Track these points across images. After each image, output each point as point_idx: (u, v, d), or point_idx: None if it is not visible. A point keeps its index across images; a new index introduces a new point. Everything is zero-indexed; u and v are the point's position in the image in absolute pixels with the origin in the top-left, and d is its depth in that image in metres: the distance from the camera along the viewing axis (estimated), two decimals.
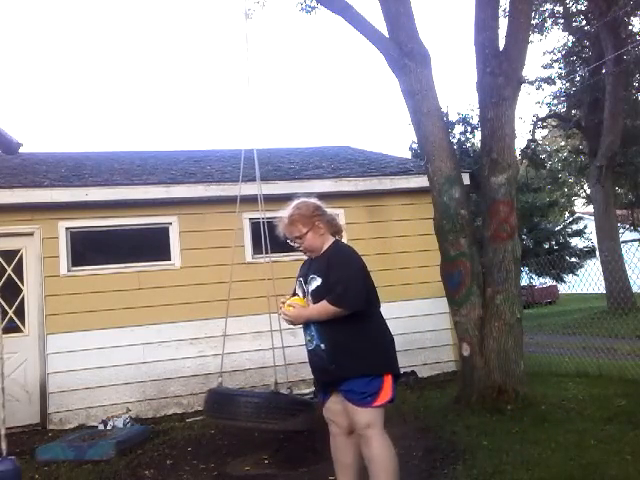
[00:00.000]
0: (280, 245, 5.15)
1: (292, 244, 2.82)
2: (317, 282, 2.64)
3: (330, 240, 2.77)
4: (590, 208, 20.53)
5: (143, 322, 6.03)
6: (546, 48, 35.17)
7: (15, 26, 63.95)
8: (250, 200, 5.25)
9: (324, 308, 2.55)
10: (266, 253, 5.08)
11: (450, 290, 5.11)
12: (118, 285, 6.04)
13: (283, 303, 2.69)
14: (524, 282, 16.07)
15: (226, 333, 6.26)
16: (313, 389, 4.05)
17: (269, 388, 6.01)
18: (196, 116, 62.86)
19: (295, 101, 66.24)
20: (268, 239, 4.76)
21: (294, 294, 2.81)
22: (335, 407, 2.68)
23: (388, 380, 2.59)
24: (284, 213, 2.81)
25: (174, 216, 6.37)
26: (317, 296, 2.61)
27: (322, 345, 2.59)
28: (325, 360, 2.59)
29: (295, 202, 2.85)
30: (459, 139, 18.55)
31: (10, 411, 5.62)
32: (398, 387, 5.99)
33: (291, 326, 2.79)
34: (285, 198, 5.04)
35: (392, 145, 56.96)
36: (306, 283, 2.70)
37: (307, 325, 2.66)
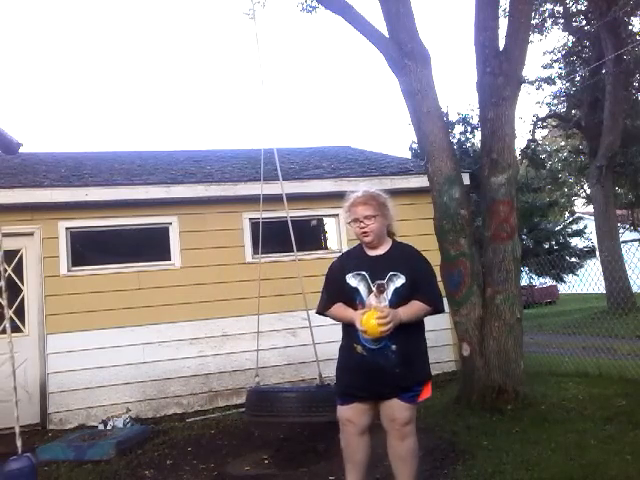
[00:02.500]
0: (280, 245, 5.18)
1: (353, 223, 2.67)
2: (401, 280, 2.52)
3: (388, 239, 2.72)
4: (590, 208, 20.52)
5: (143, 322, 6.03)
6: (546, 48, 35.19)
7: (15, 26, 63.95)
8: (250, 200, 5.25)
9: (420, 309, 2.54)
10: (259, 253, 5.06)
11: (450, 290, 5.11)
12: (118, 285, 6.04)
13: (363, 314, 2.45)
14: (524, 282, 16.07)
15: (228, 333, 6.29)
16: None
17: (279, 386, 6.03)
18: (196, 116, 62.85)
19: (295, 101, 66.25)
20: (262, 239, 4.74)
21: (348, 289, 2.58)
22: (362, 406, 2.63)
23: (429, 383, 2.73)
24: (361, 191, 2.71)
25: (174, 216, 6.37)
26: (401, 295, 2.51)
27: (393, 346, 2.49)
28: (392, 361, 2.49)
29: (371, 189, 2.77)
30: (459, 139, 18.55)
31: (10, 411, 5.61)
32: None
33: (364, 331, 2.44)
34: (286, 198, 5.06)
35: (392, 145, 56.98)
36: (375, 279, 2.53)
37: None
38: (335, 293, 2.66)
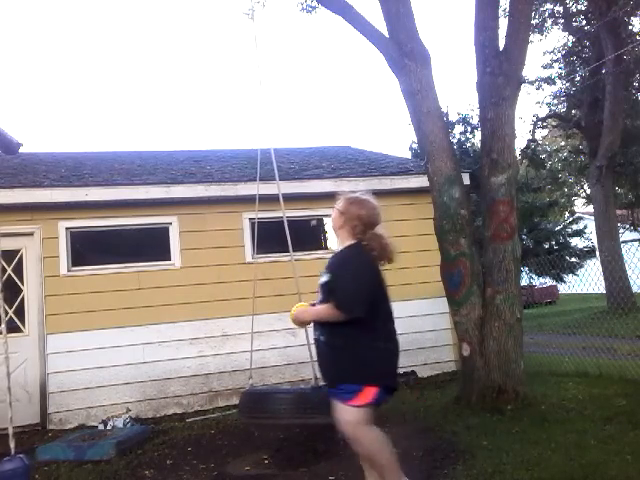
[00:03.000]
0: (280, 245, 5.18)
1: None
2: (324, 278, 2.64)
3: (351, 240, 2.70)
4: (590, 208, 20.52)
5: (143, 322, 6.03)
6: (546, 48, 35.21)
7: (15, 26, 63.97)
8: (250, 200, 5.25)
9: (323, 309, 2.58)
10: (255, 253, 5.05)
11: (450, 290, 5.11)
12: (118, 285, 6.05)
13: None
14: (524, 282, 16.07)
15: (228, 333, 6.29)
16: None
17: (274, 387, 6.03)
18: (196, 116, 62.86)
19: (295, 101, 66.26)
20: (262, 239, 4.73)
21: None
22: None
23: (369, 390, 2.51)
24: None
25: (174, 216, 6.37)
26: (323, 291, 2.63)
27: (322, 337, 2.62)
28: (320, 352, 2.66)
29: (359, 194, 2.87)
30: (459, 139, 18.55)
31: (8, 411, 5.63)
32: (399, 387, 5.97)
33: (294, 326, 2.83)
34: (285, 198, 5.06)
35: (392, 145, 56.95)
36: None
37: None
38: None
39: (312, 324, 2.73)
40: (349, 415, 2.50)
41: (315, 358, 3.53)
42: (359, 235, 2.69)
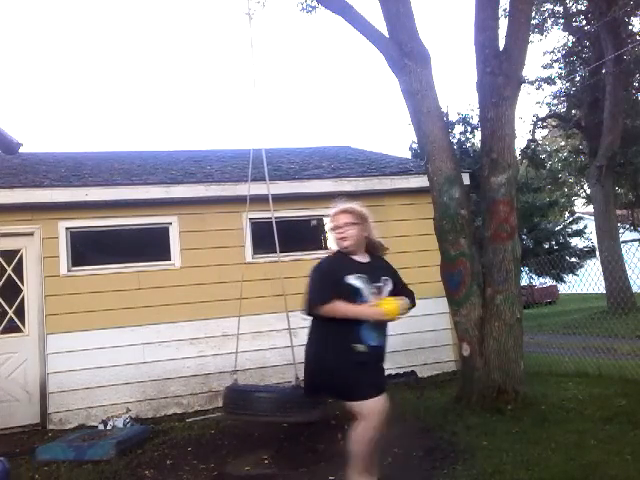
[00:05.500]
0: (280, 245, 5.18)
1: (333, 231, 2.99)
2: (391, 284, 2.94)
3: (364, 251, 3.01)
4: (590, 208, 20.52)
5: (143, 322, 6.03)
6: (546, 48, 35.24)
7: (15, 26, 63.99)
8: (251, 200, 5.25)
9: (409, 305, 2.92)
10: (248, 253, 5.05)
11: (450, 290, 5.11)
12: (118, 285, 6.04)
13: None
14: (524, 282, 16.05)
15: (228, 333, 6.28)
16: None
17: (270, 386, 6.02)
18: (197, 116, 62.86)
19: (295, 101, 66.27)
20: (261, 239, 4.75)
21: (348, 289, 2.80)
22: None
23: None
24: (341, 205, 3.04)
25: (174, 216, 6.37)
26: (391, 294, 2.91)
27: (384, 345, 2.88)
28: (382, 358, 2.91)
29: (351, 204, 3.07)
30: (459, 139, 18.53)
31: (10, 411, 5.64)
32: (399, 387, 5.96)
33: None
34: (285, 198, 5.07)
35: (392, 145, 56.93)
36: (372, 282, 2.84)
37: (380, 324, 2.82)
38: (332, 291, 2.78)
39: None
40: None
41: (293, 360, 3.59)
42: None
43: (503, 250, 4.89)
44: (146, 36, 74.36)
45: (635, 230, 20.39)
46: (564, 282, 18.03)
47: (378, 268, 2.95)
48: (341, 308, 2.74)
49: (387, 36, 5.40)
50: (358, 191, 6.91)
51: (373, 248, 3.03)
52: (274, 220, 4.63)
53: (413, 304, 2.99)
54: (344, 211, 2.96)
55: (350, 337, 2.75)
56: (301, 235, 7.02)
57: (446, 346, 6.86)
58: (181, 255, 6.32)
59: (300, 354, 4.45)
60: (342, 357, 2.77)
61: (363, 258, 2.96)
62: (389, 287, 2.91)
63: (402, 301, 2.84)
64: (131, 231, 6.37)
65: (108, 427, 5.25)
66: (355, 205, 3.02)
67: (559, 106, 18.61)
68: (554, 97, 18.27)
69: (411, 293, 3.04)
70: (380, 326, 2.81)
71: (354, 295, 2.77)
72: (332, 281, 2.81)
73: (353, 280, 2.79)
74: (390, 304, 2.77)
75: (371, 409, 2.75)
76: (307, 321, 4.34)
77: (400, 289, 3.00)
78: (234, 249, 6.42)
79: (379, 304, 2.76)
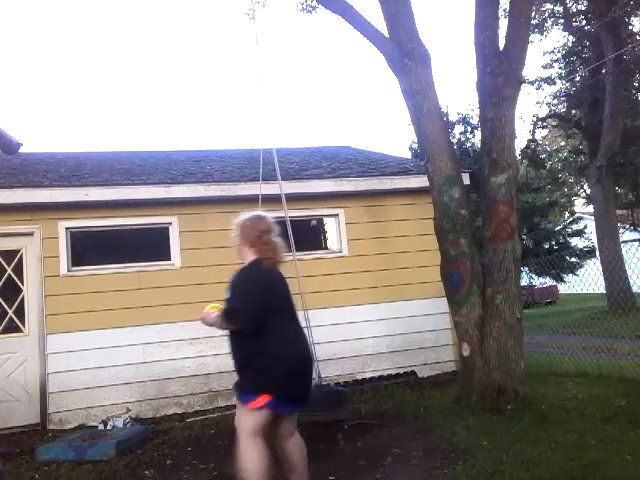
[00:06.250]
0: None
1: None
2: (227, 294, 2.85)
3: (251, 258, 2.97)
4: (590, 208, 20.52)
5: (143, 322, 6.02)
6: (546, 48, 35.20)
7: (15, 26, 64.01)
8: (251, 200, 5.26)
9: (219, 317, 2.82)
10: None
11: (450, 290, 5.11)
12: (118, 285, 6.04)
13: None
14: (524, 282, 16.07)
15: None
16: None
17: None
18: (196, 116, 62.88)
19: (295, 101, 66.27)
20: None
21: None
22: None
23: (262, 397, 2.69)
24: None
25: (174, 216, 6.37)
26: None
27: (230, 355, 2.91)
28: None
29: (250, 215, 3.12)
30: (459, 139, 18.55)
31: (10, 411, 5.64)
32: (399, 387, 5.93)
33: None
34: (285, 198, 5.07)
35: (392, 145, 56.91)
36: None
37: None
38: None
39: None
40: (242, 416, 2.78)
41: (319, 357, 3.58)
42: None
43: (503, 250, 4.89)
44: (147, 36, 74.42)
45: (635, 230, 20.38)
46: (564, 282, 18.05)
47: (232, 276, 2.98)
48: None
49: (387, 36, 5.40)
50: (358, 191, 6.92)
51: (263, 255, 3.01)
52: (288, 220, 4.61)
53: (226, 321, 2.85)
54: (235, 227, 3.20)
55: None
56: (301, 235, 7.02)
57: (446, 346, 6.86)
58: (181, 255, 6.32)
59: (319, 352, 4.46)
60: None
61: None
62: (225, 297, 2.89)
63: (208, 311, 2.90)
64: (131, 231, 6.37)
65: (108, 427, 5.25)
66: (245, 220, 3.16)
67: (559, 106, 18.61)
68: (554, 97, 18.27)
69: (223, 309, 2.87)
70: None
71: None
72: None
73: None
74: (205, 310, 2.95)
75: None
76: (306, 321, 4.34)
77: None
78: (234, 249, 6.42)
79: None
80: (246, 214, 3.12)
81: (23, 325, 5.87)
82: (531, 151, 17.75)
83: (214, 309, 2.88)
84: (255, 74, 4.97)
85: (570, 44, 16.98)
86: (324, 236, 7.30)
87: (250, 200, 5.90)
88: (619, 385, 5.21)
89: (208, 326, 2.93)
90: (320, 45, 78.55)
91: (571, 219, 23.25)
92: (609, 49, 13.68)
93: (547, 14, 16.19)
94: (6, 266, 5.92)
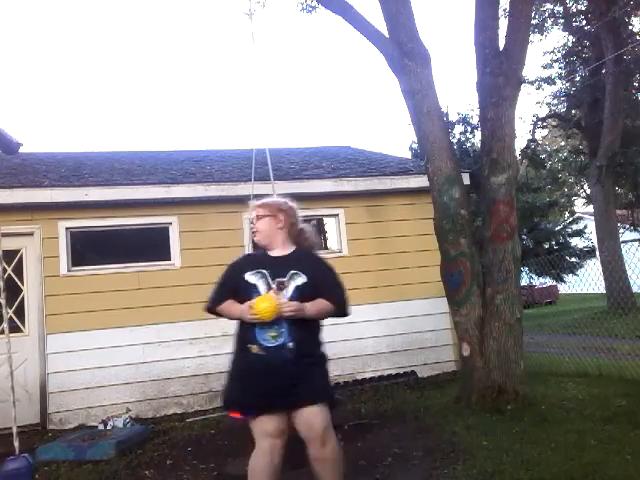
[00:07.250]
0: None
1: (251, 226, 2.83)
2: (302, 279, 2.51)
3: (291, 244, 2.69)
4: (590, 208, 20.52)
5: (143, 322, 6.03)
6: (546, 48, 35.22)
7: (15, 26, 64.00)
8: (249, 200, 5.25)
9: (325, 306, 2.52)
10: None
11: (450, 290, 5.11)
12: (118, 285, 6.04)
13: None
14: (524, 282, 16.06)
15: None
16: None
17: None
18: (196, 116, 62.87)
19: (295, 101, 66.27)
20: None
21: (245, 286, 2.55)
22: (280, 416, 2.53)
23: None
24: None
25: (174, 216, 6.37)
26: (303, 292, 2.49)
27: (290, 344, 2.43)
28: (290, 360, 2.43)
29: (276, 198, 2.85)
30: (459, 139, 18.53)
31: (8, 411, 5.63)
32: (399, 387, 5.95)
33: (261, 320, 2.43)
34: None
35: (392, 145, 56.94)
36: (276, 277, 2.53)
37: (275, 321, 2.42)
38: (229, 290, 2.65)
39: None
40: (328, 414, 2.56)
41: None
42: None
43: (503, 250, 4.89)
44: (146, 36, 74.40)
45: (635, 230, 20.37)
46: (564, 282, 18.04)
47: (291, 261, 2.58)
48: (227, 308, 2.64)
49: (387, 36, 5.40)
50: (358, 191, 6.92)
51: (299, 241, 2.73)
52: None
53: (336, 310, 2.57)
54: (259, 205, 2.74)
55: (246, 337, 2.54)
56: None
57: (446, 346, 6.86)
58: (181, 255, 6.32)
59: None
60: (237, 360, 2.63)
61: (281, 252, 2.65)
62: (296, 282, 2.50)
63: (279, 300, 2.41)
64: (131, 231, 6.37)
65: (108, 427, 5.25)
66: (275, 198, 2.81)
67: (559, 106, 18.61)
68: (554, 97, 18.26)
69: (336, 296, 2.58)
70: (277, 324, 2.43)
71: (250, 292, 2.51)
72: (232, 279, 2.65)
73: (249, 276, 2.56)
74: (263, 302, 2.40)
75: (255, 431, 2.58)
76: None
77: (322, 289, 2.55)
78: (234, 249, 6.41)
79: (254, 301, 2.43)
80: (273, 197, 2.85)
81: (23, 325, 5.88)
82: (531, 151, 17.74)
83: (268, 300, 2.41)
84: (251, 73, 4.96)
85: (570, 44, 16.98)
86: (324, 236, 7.31)
87: (251, 200, 5.91)
88: (619, 385, 5.21)
89: (299, 316, 2.42)
90: (320, 45, 78.58)
91: (571, 219, 23.28)
92: (609, 49, 13.68)
93: (547, 14, 16.18)
94: (6, 266, 5.91)
